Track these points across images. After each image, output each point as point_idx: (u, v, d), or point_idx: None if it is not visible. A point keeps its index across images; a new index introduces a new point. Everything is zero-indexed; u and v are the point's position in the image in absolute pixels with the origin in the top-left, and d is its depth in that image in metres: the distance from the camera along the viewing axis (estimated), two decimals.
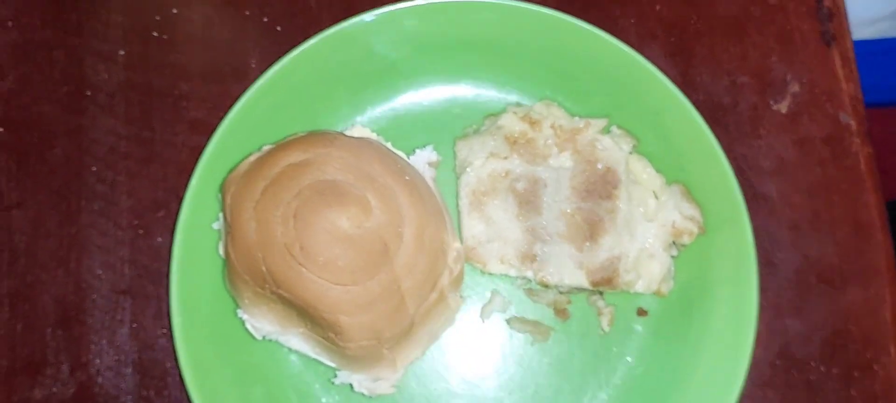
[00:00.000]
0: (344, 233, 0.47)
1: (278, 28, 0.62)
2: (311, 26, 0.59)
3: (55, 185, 0.60)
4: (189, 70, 0.61)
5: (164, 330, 0.57)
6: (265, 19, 0.62)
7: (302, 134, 0.53)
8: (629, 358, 0.55)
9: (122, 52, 0.62)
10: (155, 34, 0.62)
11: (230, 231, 0.50)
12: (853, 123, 0.59)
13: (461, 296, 0.53)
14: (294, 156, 0.50)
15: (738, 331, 0.52)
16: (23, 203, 0.59)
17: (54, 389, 0.56)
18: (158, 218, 0.59)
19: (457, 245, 0.52)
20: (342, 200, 0.48)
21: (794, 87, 0.59)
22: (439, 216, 0.52)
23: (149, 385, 0.57)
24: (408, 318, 0.49)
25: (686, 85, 0.59)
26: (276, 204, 0.48)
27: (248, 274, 0.49)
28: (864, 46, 0.86)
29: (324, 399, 0.55)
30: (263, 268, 0.48)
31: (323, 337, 0.50)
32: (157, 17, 0.62)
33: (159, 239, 0.59)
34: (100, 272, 0.58)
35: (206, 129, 0.56)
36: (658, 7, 0.61)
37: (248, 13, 0.62)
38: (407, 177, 0.51)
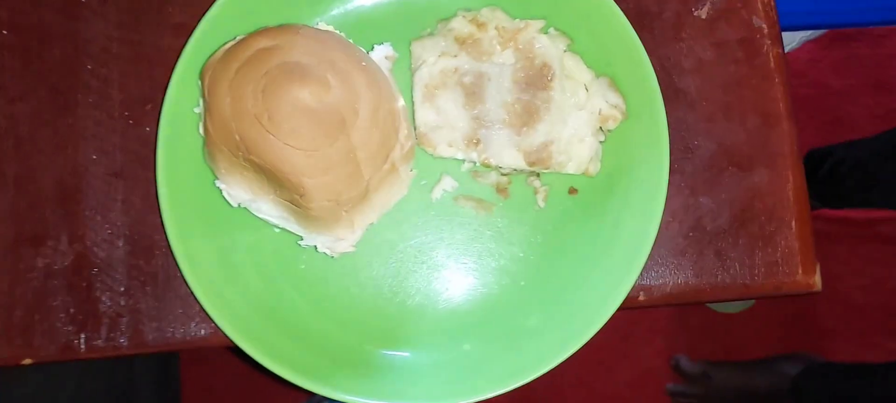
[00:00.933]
0: (306, 106, 0.55)
1: None
2: None
3: (54, 81, 0.67)
4: None
5: (152, 208, 0.65)
6: None
7: (272, 26, 0.60)
8: (561, 228, 0.63)
9: None
10: None
11: (208, 107, 0.57)
12: (765, 26, 0.66)
13: (412, 170, 0.61)
14: (264, 42, 0.57)
15: (651, 200, 0.60)
16: (25, 96, 0.66)
17: (55, 258, 0.64)
18: (146, 110, 0.66)
19: (406, 119, 0.59)
20: (305, 78, 0.55)
21: None
22: (392, 99, 0.59)
23: (138, 255, 0.64)
24: (363, 183, 0.57)
25: None
26: (248, 81, 0.55)
27: (224, 143, 0.56)
28: None
29: (298, 263, 0.62)
30: (237, 137, 0.55)
31: (289, 201, 0.57)
32: None
33: (147, 129, 0.66)
34: (94, 157, 0.65)
35: (188, 32, 0.62)
36: None
37: None
38: (364, 64, 0.58)
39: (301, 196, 0.56)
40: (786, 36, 1.19)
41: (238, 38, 0.59)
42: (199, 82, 0.59)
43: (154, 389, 1.09)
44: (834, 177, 1.39)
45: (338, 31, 0.62)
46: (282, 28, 0.58)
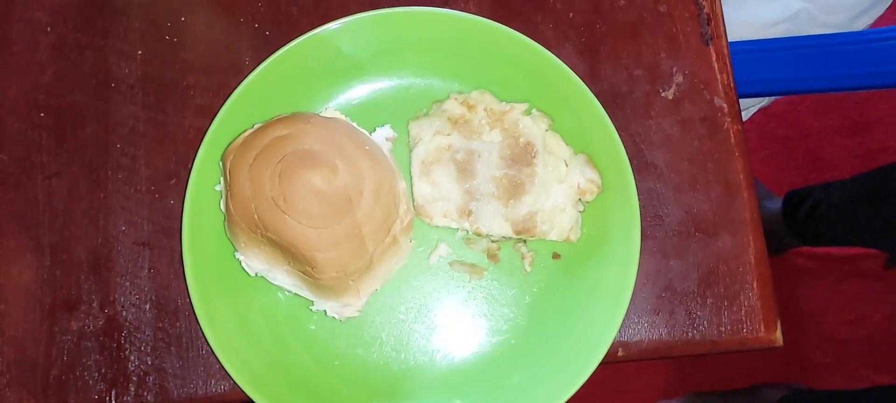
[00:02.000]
0: (317, 189, 0.62)
1: (267, 32, 0.77)
2: (294, 31, 0.73)
3: (86, 159, 0.74)
4: (195, 66, 0.76)
5: (176, 275, 0.71)
6: (256, 25, 0.77)
7: (286, 115, 0.67)
8: (546, 290, 0.70)
9: (140, 52, 0.76)
10: (167, 37, 0.76)
11: (229, 189, 0.64)
12: (725, 106, 0.74)
13: (411, 241, 0.68)
14: (279, 131, 0.64)
15: (626, 264, 0.66)
16: (61, 173, 0.73)
17: (87, 321, 0.70)
18: (171, 185, 0.73)
19: (406, 196, 0.67)
20: (316, 164, 0.62)
21: (679, 78, 0.74)
22: (393, 178, 0.66)
23: (164, 318, 0.71)
24: (368, 255, 0.64)
25: (592, 77, 0.74)
26: (266, 167, 0.62)
27: (243, 221, 0.63)
28: (765, 44, 1.02)
29: (309, 325, 0.69)
30: (255, 216, 0.62)
31: (302, 271, 0.64)
32: (169, 24, 0.77)
33: (172, 202, 0.73)
34: (123, 228, 0.72)
35: (209, 114, 0.70)
36: (571, 15, 0.76)
37: (242, 20, 0.77)
38: (367, 147, 0.65)
39: (313, 268, 0.62)
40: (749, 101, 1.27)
41: (256, 125, 0.66)
42: (221, 165, 0.66)
43: None
44: (812, 217, 1.46)
45: (343, 116, 0.69)
46: (294, 117, 0.65)
